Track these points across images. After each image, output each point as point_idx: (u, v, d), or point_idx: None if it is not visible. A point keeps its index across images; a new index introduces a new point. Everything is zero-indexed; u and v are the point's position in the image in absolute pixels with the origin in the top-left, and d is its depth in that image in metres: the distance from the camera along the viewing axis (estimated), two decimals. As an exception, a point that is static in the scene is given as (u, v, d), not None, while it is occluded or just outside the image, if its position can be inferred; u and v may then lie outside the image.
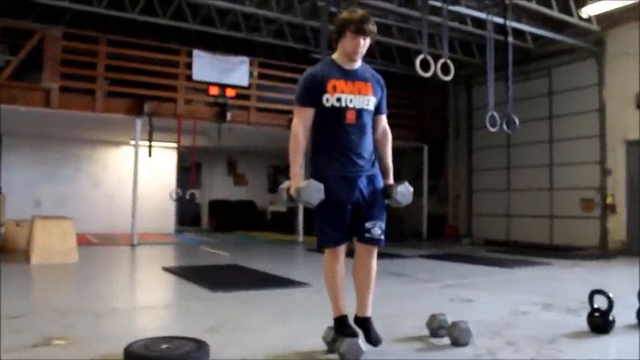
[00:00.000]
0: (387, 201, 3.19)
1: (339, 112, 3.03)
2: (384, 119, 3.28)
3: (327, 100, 3.01)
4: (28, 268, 6.97)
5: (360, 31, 3.00)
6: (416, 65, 7.94)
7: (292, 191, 2.98)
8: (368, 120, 3.13)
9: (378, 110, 3.20)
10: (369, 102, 3.10)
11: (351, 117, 3.04)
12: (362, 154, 3.09)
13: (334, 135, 3.04)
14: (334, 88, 3.01)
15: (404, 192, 3.15)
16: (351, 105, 3.04)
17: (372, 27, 3.04)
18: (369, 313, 3.15)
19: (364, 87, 3.09)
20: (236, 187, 16.85)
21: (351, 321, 3.14)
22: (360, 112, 3.07)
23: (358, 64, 3.14)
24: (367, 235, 3.10)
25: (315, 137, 3.13)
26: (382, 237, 3.14)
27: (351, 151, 3.06)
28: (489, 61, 9.29)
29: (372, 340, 3.08)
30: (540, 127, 11.63)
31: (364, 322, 3.13)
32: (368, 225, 3.09)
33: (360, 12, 3.07)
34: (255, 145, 14.73)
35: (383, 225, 3.14)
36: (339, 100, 3.02)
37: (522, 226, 12.07)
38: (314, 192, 2.91)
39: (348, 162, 3.06)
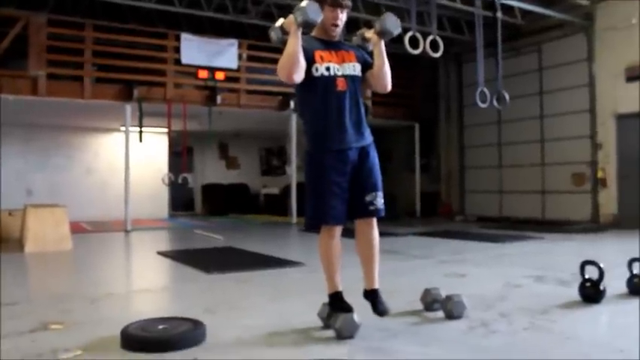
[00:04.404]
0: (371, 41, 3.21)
1: (330, 80, 3.08)
2: None
3: (317, 70, 3.06)
4: (22, 256, 6.95)
5: (337, 4, 3.08)
6: (405, 42, 7.92)
7: (289, 18, 2.94)
8: (358, 86, 3.18)
9: (368, 66, 3.22)
10: (355, 68, 3.17)
11: (342, 84, 3.09)
12: (356, 122, 3.13)
13: (327, 104, 3.07)
14: (322, 58, 3.08)
15: (387, 17, 3.15)
16: (339, 73, 3.10)
17: (348, 1, 3.13)
18: (376, 285, 3.15)
19: (348, 55, 3.17)
20: (228, 171, 16.82)
21: (352, 296, 3.15)
22: (349, 78, 3.12)
23: (337, 38, 3.22)
24: (370, 207, 3.10)
25: (307, 110, 3.17)
26: (383, 207, 3.14)
27: (345, 120, 3.08)
28: (478, 37, 9.28)
29: (379, 311, 3.10)
30: (531, 103, 11.64)
31: (371, 295, 3.14)
32: (368, 198, 3.10)
33: None
34: (246, 127, 14.68)
35: (382, 194, 3.15)
36: (328, 69, 3.07)
37: (515, 202, 12.14)
38: (314, 8, 2.87)
39: (342, 132, 3.07)
